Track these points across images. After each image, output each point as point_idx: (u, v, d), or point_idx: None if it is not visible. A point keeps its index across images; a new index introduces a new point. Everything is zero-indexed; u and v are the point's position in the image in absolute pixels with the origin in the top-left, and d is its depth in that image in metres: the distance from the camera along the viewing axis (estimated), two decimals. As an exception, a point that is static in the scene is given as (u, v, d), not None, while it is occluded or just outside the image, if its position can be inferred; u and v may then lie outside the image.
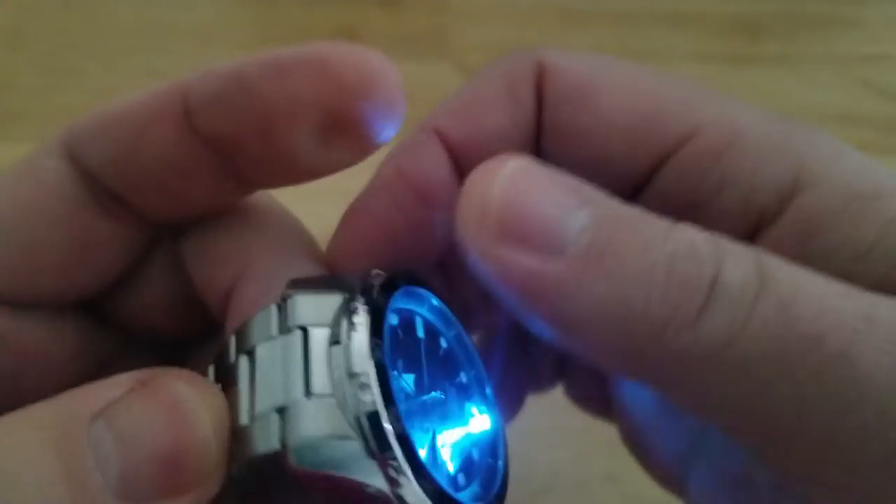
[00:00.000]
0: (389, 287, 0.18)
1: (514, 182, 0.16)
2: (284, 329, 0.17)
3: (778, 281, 0.15)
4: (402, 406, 0.16)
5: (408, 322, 0.19)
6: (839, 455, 0.16)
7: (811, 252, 0.18)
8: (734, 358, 0.15)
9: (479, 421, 0.19)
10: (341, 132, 0.17)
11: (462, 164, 0.21)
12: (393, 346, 0.18)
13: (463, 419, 0.19)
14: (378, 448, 0.16)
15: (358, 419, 0.16)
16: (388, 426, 0.16)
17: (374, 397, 0.16)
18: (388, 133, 0.17)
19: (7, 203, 0.18)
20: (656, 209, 0.19)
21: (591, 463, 0.35)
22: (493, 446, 0.19)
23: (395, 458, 0.16)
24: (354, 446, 0.16)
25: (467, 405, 0.19)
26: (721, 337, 0.15)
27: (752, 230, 0.19)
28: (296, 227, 0.21)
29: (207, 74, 0.17)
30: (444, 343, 0.20)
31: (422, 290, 0.20)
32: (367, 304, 0.17)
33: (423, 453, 0.17)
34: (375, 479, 0.16)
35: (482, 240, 0.16)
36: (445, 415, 0.18)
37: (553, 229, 0.16)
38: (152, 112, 0.17)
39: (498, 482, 0.19)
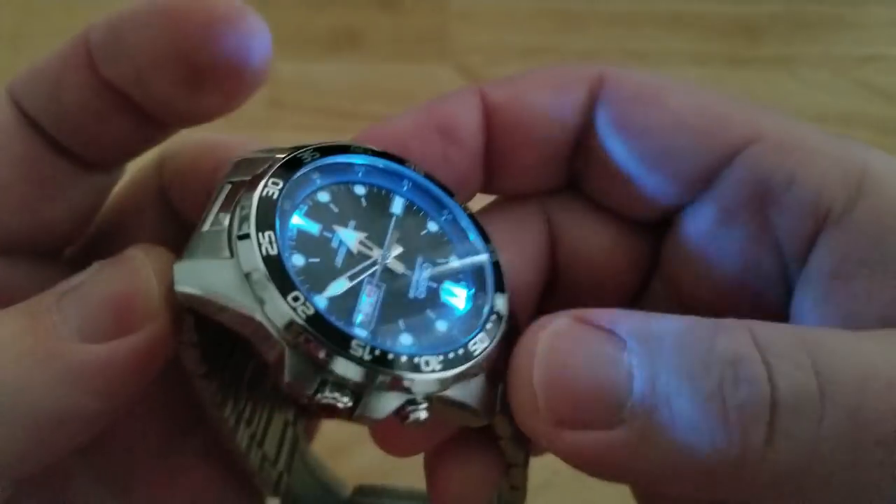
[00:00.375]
0: (328, 151, 0.19)
1: (553, 359, 0.17)
2: (222, 187, 0.18)
3: (840, 382, 0.15)
4: (288, 236, 0.17)
5: (380, 195, 0.20)
6: None
7: (884, 253, 0.18)
8: (813, 474, 0.15)
9: (455, 299, 0.19)
10: (206, 78, 0.17)
11: (494, 123, 0.22)
12: (341, 206, 0.19)
13: (434, 293, 0.19)
14: (247, 265, 0.16)
15: (236, 241, 0.17)
16: (257, 245, 0.16)
17: (250, 221, 0.17)
18: (256, 72, 0.18)
19: None
20: (727, 201, 0.20)
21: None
22: (467, 326, 0.19)
23: (262, 277, 0.16)
24: (229, 266, 0.16)
25: (446, 284, 0.20)
26: (795, 459, 0.15)
27: (819, 225, 0.19)
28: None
29: (105, 19, 0.18)
30: (432, 225, 0.21)
31: (405, 171, 0.20)
32: (287, 158, 0.18)
33: (335, 295, 0.17)
34: (246, 299, 0.16)
35: (543, 430, 0.17)
36: (397, 282, 0.19)
37: (605, 400, 0.16)
38: (68, 59, 0.18)
39: (453, 350, 0.18)
